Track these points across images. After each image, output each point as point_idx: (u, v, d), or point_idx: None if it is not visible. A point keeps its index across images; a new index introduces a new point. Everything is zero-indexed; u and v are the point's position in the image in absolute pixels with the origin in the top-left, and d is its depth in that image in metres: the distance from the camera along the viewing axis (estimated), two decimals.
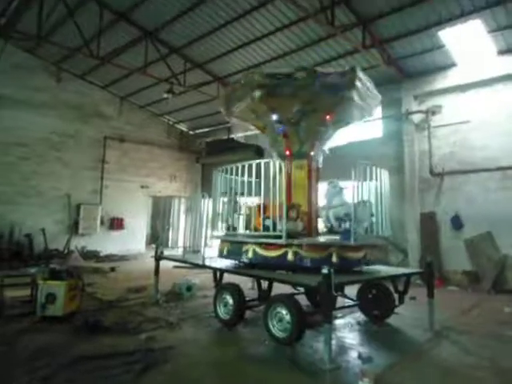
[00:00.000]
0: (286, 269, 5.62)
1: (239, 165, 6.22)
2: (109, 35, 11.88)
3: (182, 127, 19.15)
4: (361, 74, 6.04)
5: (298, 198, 6.59)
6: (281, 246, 5.63)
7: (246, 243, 6.00)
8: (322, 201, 6.90)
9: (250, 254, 5.90)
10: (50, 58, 14.18)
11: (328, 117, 6.58)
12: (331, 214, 6.00)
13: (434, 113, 11.02)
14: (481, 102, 10.23)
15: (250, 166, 6.11)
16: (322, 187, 7.08)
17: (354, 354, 4.65)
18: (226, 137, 17.47)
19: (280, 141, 6.98)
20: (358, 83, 5.97)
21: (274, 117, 6.65)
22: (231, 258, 6.41)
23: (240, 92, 6.48)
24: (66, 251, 13.64)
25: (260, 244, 5.83)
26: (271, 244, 5.70)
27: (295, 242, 5.58)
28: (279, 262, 5.62)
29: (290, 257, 5.53)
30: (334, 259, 5.39)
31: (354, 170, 5.46)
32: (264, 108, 6.44)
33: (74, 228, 14.61)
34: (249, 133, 15.37)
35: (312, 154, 6.85)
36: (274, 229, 5.69)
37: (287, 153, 6.93)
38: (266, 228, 5.85)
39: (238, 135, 16.29)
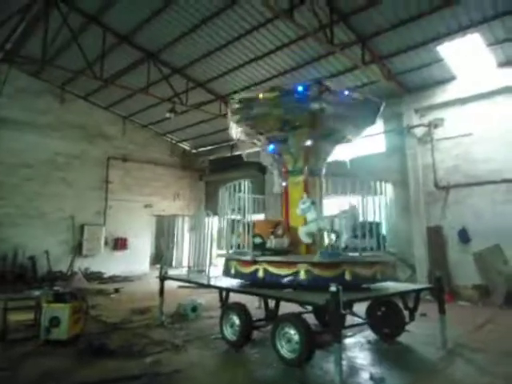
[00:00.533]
0: (258, 285, 5.77)
1: (236, 183, 6.32)
2: (112, 57, 12.06)
3: (185, 146, 19.26)
4: (330, 85, 6.19)
5: (295, 215, 6.52)
6: (251, 263, 5.79)
7: (232, 260, 6.29)
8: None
9: (233, 271, 6.21)
10: (54, 80, 14.41)
11: (312, 130, 6.60)
12: (303, 231, 5.95)
13: (436, 126, 11.03)
14: (482, 115, 10.24)
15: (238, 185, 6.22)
16: (329, 203, 7.10)
17: (365, 375, 4.52)
18: (229, 154, 17.54)
19: (277, 159, 7.06)
20: (326, 95, 6.03)
21: (263, 137, 6.79)
22: (225, 275, 6.58)
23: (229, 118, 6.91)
24: (69, 273, 13.54)
25: (238, 261, 6.11)
26: (245, 261, 5.91)
27: (261, 258, 5.73)
28: (251, 278, 5.82)
29: (260, 274, 5.68)
30: (303, 276, 5.32)
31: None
32: (250, 130, 6.60)
33: (77, 249, 14.55)
34: (251, 150, 15.45)
35: (307, 169, 6.82)
36: (263, 246, 5.93)
37: (283, 170, 7.00)
38: (254, 245, 5.99)
39: (241, 152, 16.36)
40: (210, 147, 18.61)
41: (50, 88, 14.63)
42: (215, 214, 7.54)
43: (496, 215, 9.67)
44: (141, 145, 17.43)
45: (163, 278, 7.64)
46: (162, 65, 12.60)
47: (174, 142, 18.77)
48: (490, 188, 9.88)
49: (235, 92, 13.14)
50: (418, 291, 6.08)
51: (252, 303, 7.16)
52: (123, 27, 11.22)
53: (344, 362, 4.59)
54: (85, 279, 13.04)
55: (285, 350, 4.83)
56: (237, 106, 6.54)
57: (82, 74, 12.12)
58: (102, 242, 15.25)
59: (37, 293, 8.21)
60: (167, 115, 13.68)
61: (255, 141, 7.44)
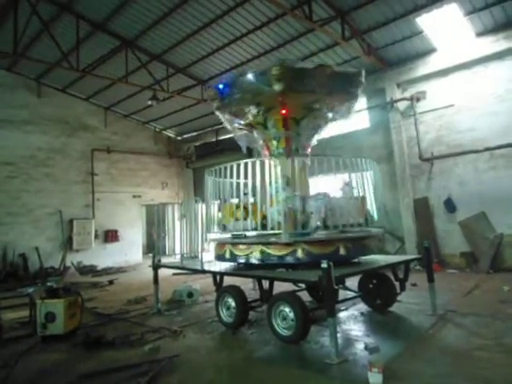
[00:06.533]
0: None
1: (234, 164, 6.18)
2: (87, 46, 11.75)
3: (169, 133, 19.04)
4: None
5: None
6: (223, 245, 6.26)
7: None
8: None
9: (214, 254, 6.66)
10: (29, 73, 14.01)
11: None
12: (275, 210, 5.93)
13: (418, 99, 11.09)
14: (463, 85, 10.31)
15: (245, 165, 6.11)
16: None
17: (360, 346, 4.64)
18: (214, 139, 17.41)
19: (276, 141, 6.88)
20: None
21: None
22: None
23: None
24: (61, 268, 13.48)
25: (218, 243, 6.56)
26: (222, 243, 6.36)
27: (231, 241, 6.18)
28: (222, 258, 6.29)
29: (227, 255, 6.09)
30: (258, 256, 5.62)
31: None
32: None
33: (68, 244, 14.43)
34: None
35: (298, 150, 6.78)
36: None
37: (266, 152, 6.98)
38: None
39: (234, 135, 16.16)
40: (194, 133, 18.43)
41: (26, 82, 14.22)
42: (204, 200, 7.51)
43: (480, 183, 9.87)
44: (124, 135, 17.15)
45: (157, 267, 7.65)
46: (140, 52, 12.32)
47: (157, 130, 18.52)
48: (473, 157, 10.04)
49: (217, 76, 12.97)
50: (407, 262, 6.22)
51: (246, 285, 7.27)
52: (97, 14, 10.89)
53: (339, 335, 4.71)
54: (78, 273, 13.01)
55: (281, 328, 4.92)
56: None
57: (57, 66, 11.79)
58: (93, 235, 15.14)
59: (30, 290, 8.18)
60: (149, 103, 13.45)
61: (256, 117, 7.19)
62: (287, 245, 5.46)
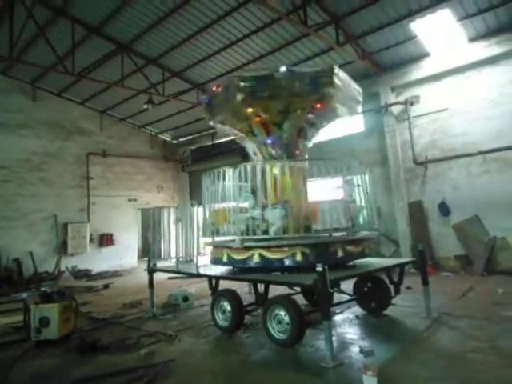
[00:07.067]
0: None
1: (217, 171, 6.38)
2: (83, 50, 11.75)
3: (165, 137, 19.03)
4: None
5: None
6: (214, 249, 6.58)
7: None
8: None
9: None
10: (24, 77, 13.97)
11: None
12: (242, 218, 6.06)
13: (412, 103, 11.18)
14: (457, 90, 10.41)
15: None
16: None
17: (355, 349, 4.65)
18: (210, 143, 17.42)
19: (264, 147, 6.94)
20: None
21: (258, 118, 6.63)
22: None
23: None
24: (56, 272, 13.39)
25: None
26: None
27: (211, 244, 6.59)
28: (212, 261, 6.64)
29: (211, 257, 6.57)
30: (225, 259, 5.97)
31: None
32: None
33: (62, 248, 14.34)
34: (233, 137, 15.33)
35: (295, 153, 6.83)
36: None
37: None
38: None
39: (234, 137, 16.24)
40: (190, 137, 18.43)
41: (21, 86, 14.16)
42: (200, 203, 7.52)
43: (473, 187, 9.95)
44: (120, 138, 17.12)
45: (152, 271, 7.62)
46: (136, 56, 12.33)
47: (153, 133, 18.51)
48: (466, 161, 10.14)
49: (213, 79, 13.00)
50: (401, 265, 6.26)
51: (242, 289, 7.27)
52: (92, 19, 10.89)
53: (334, 338, 4.72)
54: (72, 277, 12.93)
55: (276, 332, 4.93)
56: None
57: (52, 70, 11.76)
58: (88, 239, 15.04)
59: (24, 295, 8.13)
60: (145, 106, 13.44)
61: (241, 126, 7.26)
62: (246, 249, 5.68)
